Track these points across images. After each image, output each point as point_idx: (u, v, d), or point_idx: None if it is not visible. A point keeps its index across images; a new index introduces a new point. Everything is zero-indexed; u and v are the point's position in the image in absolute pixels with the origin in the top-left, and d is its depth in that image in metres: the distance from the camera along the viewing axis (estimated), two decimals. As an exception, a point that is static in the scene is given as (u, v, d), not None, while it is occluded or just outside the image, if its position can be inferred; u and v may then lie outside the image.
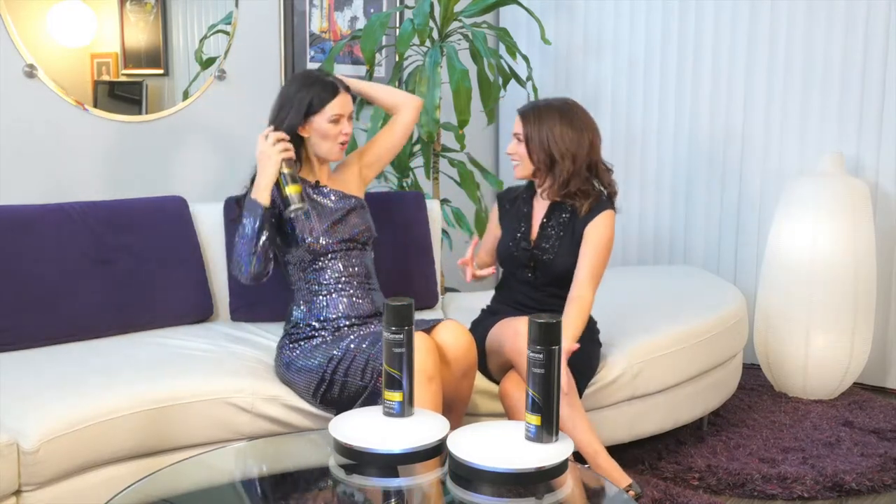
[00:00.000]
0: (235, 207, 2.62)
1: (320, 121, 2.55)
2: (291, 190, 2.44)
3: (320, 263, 2.56)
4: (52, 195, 2.94)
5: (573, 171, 2.59)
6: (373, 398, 2.35)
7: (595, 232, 2.60)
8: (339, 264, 2.57)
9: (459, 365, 2.41)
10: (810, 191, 3.53)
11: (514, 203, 2.77)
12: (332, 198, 2.63)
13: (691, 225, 4.19)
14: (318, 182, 2.64)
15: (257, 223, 2.43)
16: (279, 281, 2.93)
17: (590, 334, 2.68)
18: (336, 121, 2.56)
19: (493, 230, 2.83)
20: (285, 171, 2.46)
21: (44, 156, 3.05)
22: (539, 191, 2.70)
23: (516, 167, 2.67)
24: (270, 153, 2.46)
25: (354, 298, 2.56)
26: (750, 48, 3.92)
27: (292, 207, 2.44)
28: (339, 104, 2.57)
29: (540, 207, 2.72)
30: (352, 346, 2.43)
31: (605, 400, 2.73)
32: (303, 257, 2.57)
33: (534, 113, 2.62)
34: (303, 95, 2.55)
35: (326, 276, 2.56)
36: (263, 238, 2.44)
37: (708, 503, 2.66)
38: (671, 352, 2.86)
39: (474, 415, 2.61)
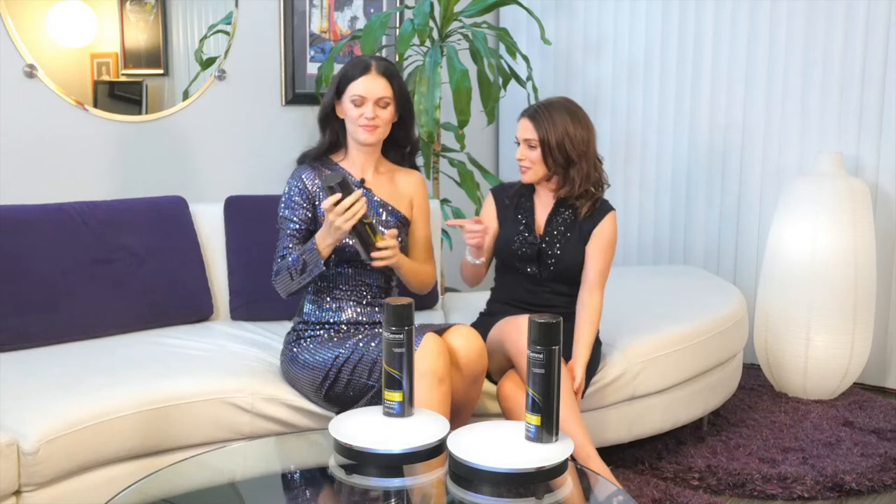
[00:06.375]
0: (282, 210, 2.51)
1: (345, 100, 2.45)
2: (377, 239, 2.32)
3: (340, 270, 2.49)
4: (52, 195, 2.94)
5: (587, 171, 2.59)
6: (378, 398, 2.31)
7: (603, 234, 2.61)
8: (361, 274, 2.50)
9: (470, 370, 2.38)
10: (810, 191, 3.53)
11: (514, 198, 2.71)
12: (380, 210, 2.52)
13: (691, 225, 4.19)
14: (363, 181, 2.53)
15: (308, 279, 2.40)
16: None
17: None
18: (358, 103, 2.43)
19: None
20: (366, 221, 2.28)
21: (44, 156, 3.05)
22: (543, 190, 2.68)
23: (526, 172, 2.61)
24: (336, 224, 2.27)
25: (366, 306, 2.53)
26: (750, 48, 3.92)
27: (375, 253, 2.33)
28: (362, 85, 2.42)
29: (542, 204, 2.69)
30: (360, 344, 2.40)
31: (605, 400, 2.72)
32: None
33: (545, 115, 2.56)
34: (340, 73, 2.47)
35: (343, 282, 2.50)
36: (307, 283, 2.45)
37: (708, 503, 2.66)
38: (671, 352, 2.86)
39: (480, 415, 2.59)
